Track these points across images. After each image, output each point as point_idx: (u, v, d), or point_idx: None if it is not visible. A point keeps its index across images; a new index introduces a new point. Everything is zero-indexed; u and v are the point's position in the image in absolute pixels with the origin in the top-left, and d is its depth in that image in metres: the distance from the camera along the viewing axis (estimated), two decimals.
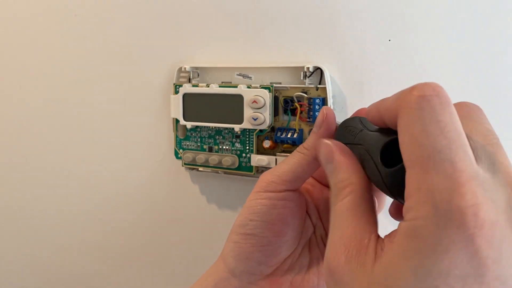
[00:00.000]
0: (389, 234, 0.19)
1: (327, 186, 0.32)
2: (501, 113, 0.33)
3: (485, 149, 0.18)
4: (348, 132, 0.25)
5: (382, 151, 0.20)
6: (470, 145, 0.17)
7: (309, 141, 0.28)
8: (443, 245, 0.16)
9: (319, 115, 0.28)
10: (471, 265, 0.16)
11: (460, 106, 0.20)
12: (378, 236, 0.20)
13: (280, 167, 0.29)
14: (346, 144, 0.24)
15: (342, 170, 0.22)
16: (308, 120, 0.37)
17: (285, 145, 0.38)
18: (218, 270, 0.30)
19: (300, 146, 0.29)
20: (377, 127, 0.22)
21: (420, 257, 0.16)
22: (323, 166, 0.24)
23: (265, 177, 0.29)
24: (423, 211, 0.16)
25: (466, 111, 0.20)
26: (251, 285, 0.29)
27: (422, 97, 0.17)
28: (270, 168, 0.36)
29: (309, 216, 0.32)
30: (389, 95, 0.37)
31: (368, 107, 0.22)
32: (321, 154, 0.24)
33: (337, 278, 0.20)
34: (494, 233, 0.16)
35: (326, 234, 0.31)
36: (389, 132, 0.21)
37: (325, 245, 0.31)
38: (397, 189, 0.19)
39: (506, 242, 0.16)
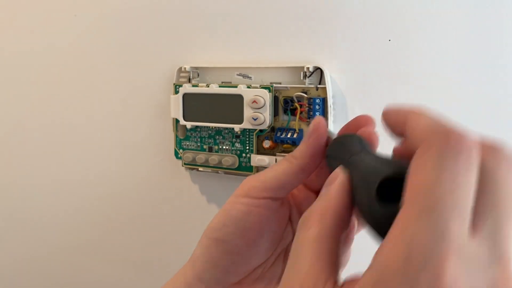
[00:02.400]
0: (349, 281, 0.18)
1: (314, 192, 0.31)
2: (500, 113, 0.33)
3: (491, 220, 0.16)
4: (344, 150, 0.23)
5: (379, 184, 0.18)
6: (476, 209, 0.16)
7: (298, 150, 0.27)
8: None
9: (311, 125, 0.27)
10: None
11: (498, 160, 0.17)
12: (335, 283, 0.18)
13: (265, 172, 0.28)
14: (339, 161, 0.23)
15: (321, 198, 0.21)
16: (308, 120, 0.37)
17: (285, 145, 0.38)
18: (185, 275, 0.29)
19: (289, 154, 0.28)
20: (376, 153, 0.21)
21: None
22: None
23: (248, 181, 0.28)
24: (394, 259, 0.15)
25: (503, 169, 0.17)
26: None
27: (456, 149, 0.16)
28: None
29: (291, 223, 0.31)
30: (388, 95, 0.37)
31: (388, 110, 0.20)
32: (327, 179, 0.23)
33: None
34: None
35: None
36: (389, 163, 0.19)
37: None
38: (386, 230, 0.17)
39: None
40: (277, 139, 0.38)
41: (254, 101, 0.37)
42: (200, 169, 0.43)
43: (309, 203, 0.29)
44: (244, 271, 0.28)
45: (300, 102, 0.37)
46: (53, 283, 0.58)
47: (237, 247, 0.27)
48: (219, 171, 0.42)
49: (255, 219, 0.27)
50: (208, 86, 0.39)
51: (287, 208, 0.30)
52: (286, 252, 0.30)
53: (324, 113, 0.37)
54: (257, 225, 0.27)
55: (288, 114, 0.38)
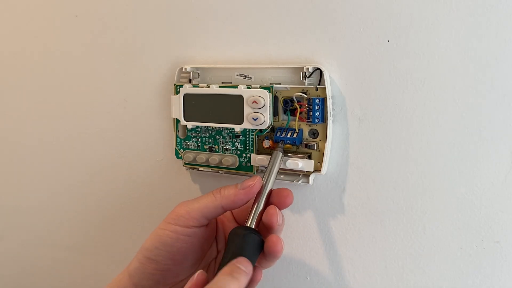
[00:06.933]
0: None
1: (239, 224, 0.37)
2: (499, 113, 0.33)
3: None
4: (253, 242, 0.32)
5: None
6: None
7: (226, 190, 0.33)
8: None
9: (250, 180, 0.33)
10: None
11: None
12: None
13: (192, 203, 0.34)
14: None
15: None
16: (307, 120, 0.37)
17: (285, 145, 0.39)
18: (123, 281, 0.35)
19: (217, 189, 0.34)
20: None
21: None
22: None
23: (178, 209, 0.34)
24: None
25: None
26: None
27: None
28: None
29: (217, 243, 0.37)
30: (387, 95, 0.37)
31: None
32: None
33: None
34: None
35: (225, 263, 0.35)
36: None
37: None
38: None
39: None
40: (277, 139, 0.38)
41: (254, 101, 0.37)
42: (201, 169, 0.43)
43: (233, 226, 0.37)
44: (173, 282, 0.35)
45: (299, 102, 0.37)
46: (53, 283, 0.58)
47: (167, 266, 0.34)
48: (219, 171, 0.42)
49: (182, 244, 0.33)
50: (209, 87, 0.39)
51: (212, 229, 0.36)
52: (208, 267, 0.37)
53: (324, 113, 0.37)
54: (183, 249, 0.33)
55: (288, 114, 0.38)
